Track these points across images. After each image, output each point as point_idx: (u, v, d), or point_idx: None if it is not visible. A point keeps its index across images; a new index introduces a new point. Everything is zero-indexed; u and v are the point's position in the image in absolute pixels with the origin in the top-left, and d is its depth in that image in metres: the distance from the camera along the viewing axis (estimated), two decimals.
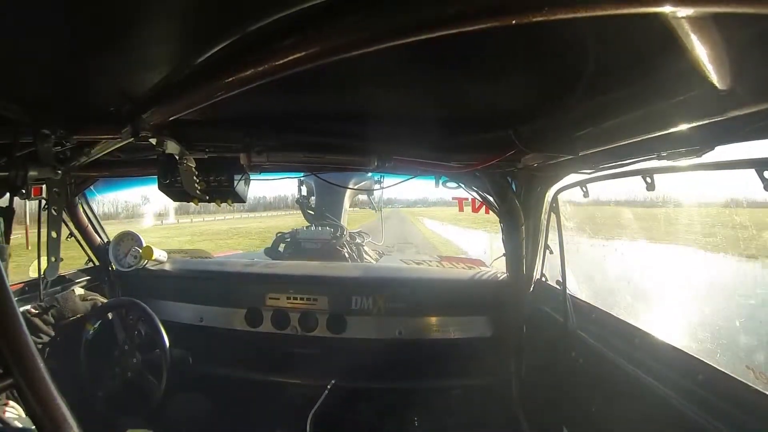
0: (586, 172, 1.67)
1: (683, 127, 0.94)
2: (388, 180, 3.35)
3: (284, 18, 0.68)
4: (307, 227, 5.22)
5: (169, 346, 2.18)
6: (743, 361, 1.64)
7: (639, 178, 1.40)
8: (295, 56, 0.71)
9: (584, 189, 1.79)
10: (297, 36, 0.70)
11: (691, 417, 1.17)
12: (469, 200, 2.53)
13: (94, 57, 0.91)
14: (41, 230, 1.94)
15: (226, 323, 2.54)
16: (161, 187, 1.75)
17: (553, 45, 0.90)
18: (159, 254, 2.72)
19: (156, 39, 0.85)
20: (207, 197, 1.74)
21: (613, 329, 1.68)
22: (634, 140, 1.10)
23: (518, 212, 2.13)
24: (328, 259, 4.42)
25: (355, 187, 5.22)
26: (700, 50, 0.64)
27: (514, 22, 0.55)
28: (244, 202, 1.83)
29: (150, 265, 2.73)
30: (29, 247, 2.04)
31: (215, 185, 1.70)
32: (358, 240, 5.21)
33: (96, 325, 2.22)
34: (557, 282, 2.00)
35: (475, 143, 1.55)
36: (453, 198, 2.76)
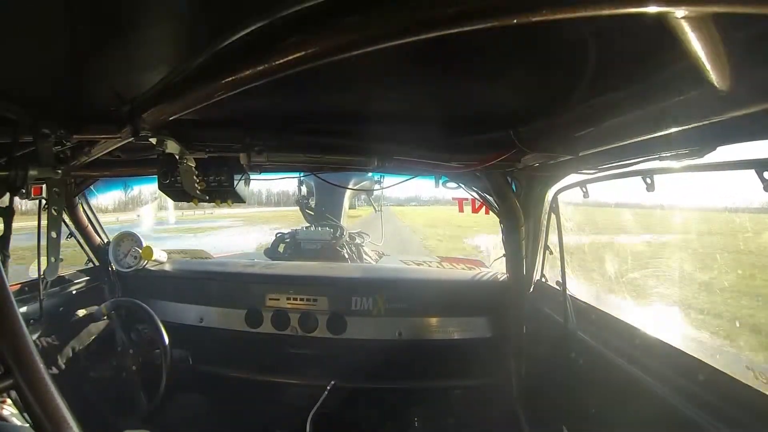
0: (587, 173, 1.67)
1: (684, 127, 0.94)
2: (388, 180, 3.35)
3: (284, 18, 0.68)
4: (306, 228, 5.21)
5: (169, 346, 2.18)
6: None
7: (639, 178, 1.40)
8: (295, 56, 0.70)
9: (584, 189, 1.79)
10: (297, 36, 0.70)
11: (691, 417, 1.17)
12: (469, 200, 2.53)
13: (95, 57, 0.91)
14: (41, 230, 1.93)
15: (226, 324, 2.54)
16: (161, 187, 1.75)
17: (553, 45, 0.90)
18: (159, 255, 2.72)
19: (156, 39, 0.85)
20: (207, 197, 1.75)
21: (613, 330, 1.68)
22: (635, 140, 1.10)
23: (518, 212, 2.13)
24: (328, 260, 4.41)
25: (355, 187, 5.22)
26: (700, 50, 0.64)
27: (514, 22, 0.55)
28: (244, 202, 1.83)
29: (150, 266, 2.73)
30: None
31: (215, 185, 1.70)
32: (357, 240, 5.20)
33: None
34: (557, 283, 2.00)
35: (475, 143, 1.54)
36: (453, 198, 2.76)
